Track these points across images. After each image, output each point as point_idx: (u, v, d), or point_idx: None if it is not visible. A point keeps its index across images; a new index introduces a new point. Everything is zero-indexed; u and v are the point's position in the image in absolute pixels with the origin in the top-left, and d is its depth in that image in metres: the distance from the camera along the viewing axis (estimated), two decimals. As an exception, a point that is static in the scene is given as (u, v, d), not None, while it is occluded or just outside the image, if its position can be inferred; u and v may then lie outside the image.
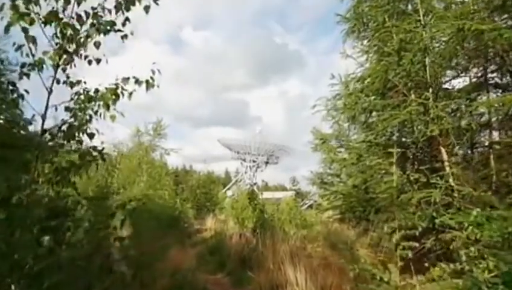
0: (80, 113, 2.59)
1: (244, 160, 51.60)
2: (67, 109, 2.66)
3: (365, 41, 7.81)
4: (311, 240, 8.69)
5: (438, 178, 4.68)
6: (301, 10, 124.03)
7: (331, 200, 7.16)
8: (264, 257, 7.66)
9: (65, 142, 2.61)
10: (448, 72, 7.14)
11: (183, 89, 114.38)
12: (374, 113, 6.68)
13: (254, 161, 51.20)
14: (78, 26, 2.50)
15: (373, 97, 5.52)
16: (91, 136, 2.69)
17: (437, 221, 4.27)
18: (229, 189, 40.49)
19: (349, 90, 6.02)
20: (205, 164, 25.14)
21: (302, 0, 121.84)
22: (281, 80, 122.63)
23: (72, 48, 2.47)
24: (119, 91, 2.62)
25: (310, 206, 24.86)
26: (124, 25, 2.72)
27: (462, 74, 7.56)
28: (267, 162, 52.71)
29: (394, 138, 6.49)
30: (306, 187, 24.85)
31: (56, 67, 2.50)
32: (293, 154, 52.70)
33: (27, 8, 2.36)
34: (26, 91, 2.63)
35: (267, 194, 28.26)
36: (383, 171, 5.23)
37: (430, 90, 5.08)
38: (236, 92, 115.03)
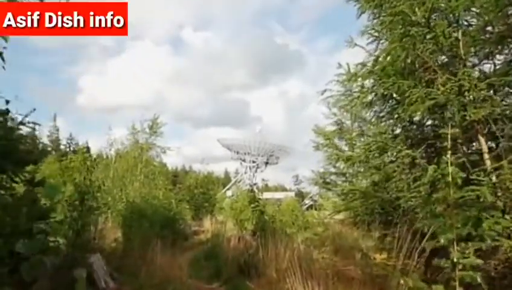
0: None
1: (244, 160, 51.03)
2: None
3: (377, 25, 7.03)
4: (318, 244, 7.87)
5: (481, 173, 3.84)
6: (302, 10, 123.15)
7: (347, 200, 6.27)
8: (266, 264, 6.86)
9: None
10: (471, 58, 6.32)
11: (184, 89, 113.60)
12: (390, 102, 5.84)
13: (254, 161, 50.67)
14: None
15: (394, 78, 4.63)
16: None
17: (485, 226, 3.43)
18: (228, 189, 39.80)
19: (368, 70, 5.12)
20: (203, 164, 24.26)
21: (303, 0, 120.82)
22: (281, 80, 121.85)
23: None
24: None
25: (310, 207, 24.22)
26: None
27: (484, 61, 6.74)
28: (267, 163, 52.18)
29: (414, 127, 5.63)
30: (307, 187, 24.11)
31: None
32: (293, 154, 52.23)
33: None
34: None
35: (267, 195, 27.67)
36: (408, 166, 4.40)
37: (464, 69, 4.25)
38: (237, 92, 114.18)
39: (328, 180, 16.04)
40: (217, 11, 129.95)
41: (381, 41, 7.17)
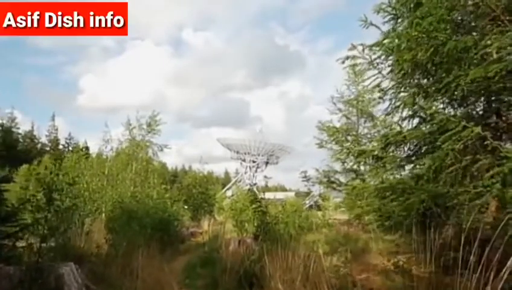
0: None
1: (244, 160, 50.26)
2: None
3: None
4: (330, 249, 6.90)
5: None
6: (302, 11, 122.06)
7: (378, 198, 5.23)
8: (270, 272, 5.87)
9: None
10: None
11: (184, 89, 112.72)
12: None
13: (254, 161, 49.92)
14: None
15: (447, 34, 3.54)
16: None
17: None
18: (228, 189, 38.94)
19: (415, 21, 4.00)
20: (202, 163, 23.04)
21: (304, 0, 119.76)
22: (282, 81, 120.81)
23: None
24: None
25: (311, 207, 23.34)
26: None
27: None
28: (267, 162, 51.43)
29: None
30: (310, 186, 23.15)
31: None
32: (293, 154, 51.53)
33: None
34: None
35: (267, 195, 26.89)
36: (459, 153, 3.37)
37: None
38: (237, 92, 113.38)
39: (332, 179, 15.05)
40: (217, 11, 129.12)
41: (399, 20, 6.26)
